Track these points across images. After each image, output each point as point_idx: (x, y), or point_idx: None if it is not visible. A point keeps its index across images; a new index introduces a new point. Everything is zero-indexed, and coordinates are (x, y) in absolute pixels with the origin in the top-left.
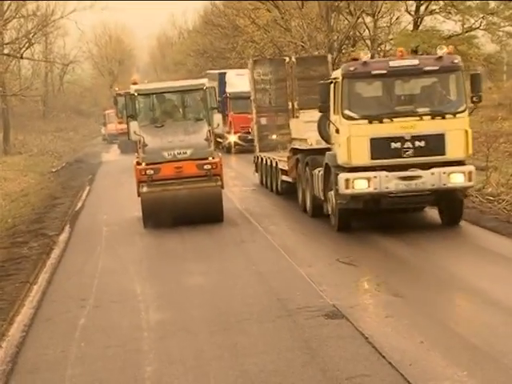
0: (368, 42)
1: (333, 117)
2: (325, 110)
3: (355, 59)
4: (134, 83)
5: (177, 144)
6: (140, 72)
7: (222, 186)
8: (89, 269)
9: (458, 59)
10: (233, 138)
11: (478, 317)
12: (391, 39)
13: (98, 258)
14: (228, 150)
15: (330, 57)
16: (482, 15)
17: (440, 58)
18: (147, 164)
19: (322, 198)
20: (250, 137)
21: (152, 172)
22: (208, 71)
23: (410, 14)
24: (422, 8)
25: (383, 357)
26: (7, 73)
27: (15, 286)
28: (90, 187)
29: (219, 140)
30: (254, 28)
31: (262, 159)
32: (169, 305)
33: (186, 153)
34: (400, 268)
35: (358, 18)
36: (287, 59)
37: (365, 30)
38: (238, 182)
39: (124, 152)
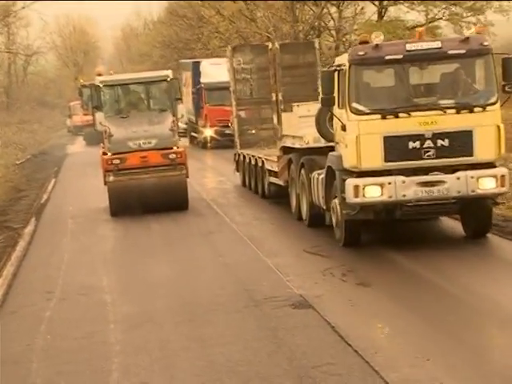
0: (333, 32)
1: (338, 111)
2: (328, 104)
3: (364, 42)
4: (99, 75)
5: (142, 134)
6: (105, 63)
7: (187, 175)
8: (55, 261)
9: (487, 41)
10: (208, 133)
11: (442, 304)
12: (356, 29)
13: (64, 250)
14: (203, 146)
15: (317, 43)
16: (444, 6)
17: (466, 39)
18: (113, 154)
19: (323, 207)
20: (227, 131)
21: (118, 161)
22: (181, 60)
23: (374, 4)
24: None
25: (349, 345)
26: None
27: None
28: (55, 179)
29: (194, 135)
30: (219, 19)
31: (244, 157)
32: (135, 296)
33: (150, 142)
34: (366, 257)
35: (323, 8)
36: (270, 45)
37: (330, 21)
38: (217, 183)
39: (89, 144)
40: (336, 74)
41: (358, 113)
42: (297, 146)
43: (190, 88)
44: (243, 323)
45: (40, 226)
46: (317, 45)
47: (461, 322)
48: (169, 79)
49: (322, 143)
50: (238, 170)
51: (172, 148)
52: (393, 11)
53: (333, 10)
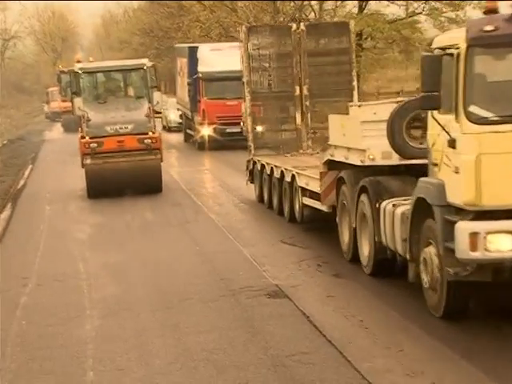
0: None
1: (442, 117)
2: (433, 105)
3: (492, 11)
4: (78, 61)
5: (119, 119)
6: (84, 50)
7: (162, 159)
8: (31, 247)
9: None
10: (206, 131)
11: (417, 296)
12: None
13: (41, 236)
14: (200, 146)
15: (352, 24)
16: (424, 0)
17: None
18: (91, 138)
19: (403, 254)
20: (228, 130)
21: (95, 145)
22: (176, 45)
23: None
24: None
25: (323, 335)
26: None
27: None
28: (32, 165)
29: (189, 132)
30: (200, 8)
31: (262, 167)
32: (111, 284)
33: (127, 128)
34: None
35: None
36: (294, 27)
37: (310, 13)
38: (223, 196)
39: (67, 130)
40: (443, 60)
41: (478, 121)
42: (355, 161)
43: (186, 78)
44: (219, 312)
45: (16, 212)
46: (352, 27)
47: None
48: (145, 67)
49: (395, 161)
50: (251, 181)
51: (147, 133)
52: (373, 4)
53: (314, 1)
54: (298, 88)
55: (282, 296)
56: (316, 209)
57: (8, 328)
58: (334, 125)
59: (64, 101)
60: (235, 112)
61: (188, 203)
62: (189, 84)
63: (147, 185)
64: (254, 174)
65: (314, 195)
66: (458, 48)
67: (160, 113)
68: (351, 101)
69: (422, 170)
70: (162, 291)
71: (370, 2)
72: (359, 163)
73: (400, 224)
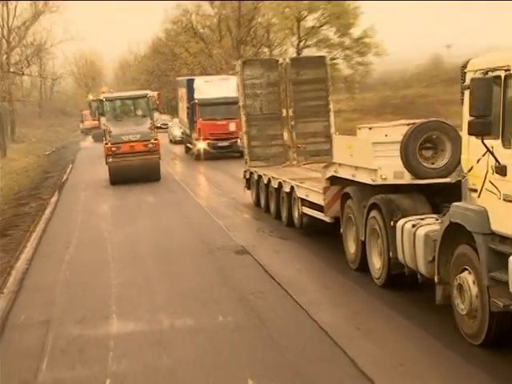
0: None
1: (490, 141)
2: (484, 131)
3: None
4: (103, 92)
5: (130, 131)
6: (107, 85)
7: (160, 158)
8: (72, 221)
9: None
10: (202, 145)
11: (339, 250)
12: None
13: (78, 214)
14: (197, 157)
15: (328, 58)
16: (341, 49)
17: None
18: (112, 144)
19: (427, 275)
20: (219, 144)
21: (115, 149)
22: (178, 78)
23: (293, 46)
24: (302, 43)
25: (273, 279)
26: (13, 85)
27: (20, 233)
28: (72, 165)
29: (189, 146)
30: (187, 55)
31: (259, 177)
32: (127, 246)
33: (136, 137)
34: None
35: (259, 48)
36: (281, 60)
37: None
38: (207, 187)
39: (96, 140)
40: (494, 83)
41: None
42: (365, 180)
43: (185, 103)
44: (201, 264)
45: (61, 197)
46: (328, 60)
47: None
48: (148, 96)
49: (407, 180)
50: (248, 188)
51: (150, 140)
52: (307, 51)
53: (265, 49)
54: (284, 110)
55: (245, 253)
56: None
57: (57, 276)
58: (339, 145)
59: (93, 120)
60: (224, 130)
61: (180, 191)
62: (188, 108)
63: (150, 175)
64: (251, 182)
65: (314, 206)
66: (508, 70)
67: (163, 128)
68: (327, 121)
69: (430, 189)
70: (162, 250)
71: (304, 50)
72: (370, 182)
73: (424, 245)
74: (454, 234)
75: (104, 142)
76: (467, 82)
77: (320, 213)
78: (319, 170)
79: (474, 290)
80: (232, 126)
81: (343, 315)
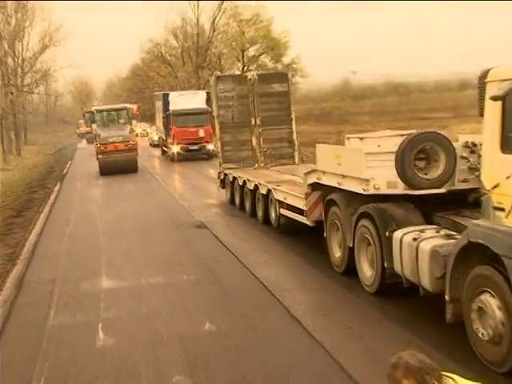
0: None
1: (500, 157)
2: None
3: None
4: (94, 106)
5: (115, 135)
6: (97, 100)
7: (137, 155)
8: (71, 204)
9: None
10: (176, 149)
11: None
12: None
13: (76, 199)
14: (172, 159)
15: (290, 74)
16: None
17: None
18: (101, 144)
19: (433, 291)
20: (190, 147)
21: (103, 148)
22: (154, 93)
23: (238, 70)
24: (245, 68)
25: (225, 247)
26: (25, 101)
27: (32, 214)
28: (70, 161)
29: (165, 149)
30: (158, 76)
31: (234, 178)
32: (113, 223)
33: (119, 138)
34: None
35: (213, 72)
36: (249, 75)
37: None
38: (176, 179)
39: (89, 143)
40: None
41: None
42: (355, 189)
43: (161, 113)
44: (170, 236)
45: (63, 186)
46: (290, 76)
47: (284, 229)
48: (128, 108)
49: (400, 190)
50: (223, 187)
51: (129, 141)
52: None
53: (218, 73)
54: (253, 119)
55: (204, 227)
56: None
57: (60, 246)
58: (323, 153)
59: (87, 126)
60: (195, 135)
61: (156, 182)
62: (163, 118)
63: (130, 168)
64: (226, 182)
65: (293, 209)
66: None
67: (143, 134)
68: (290, 128)
69: (420, 198)
70: (140, 226)
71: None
72: (361, 191)
73: (430, 261)
74: (472, 253)
75: (95, 143)
76: (492, 92)
77: (301, 216)
78: (288, 172)
79: (499, 315)
80: (201, 132)
81: (278, 273)
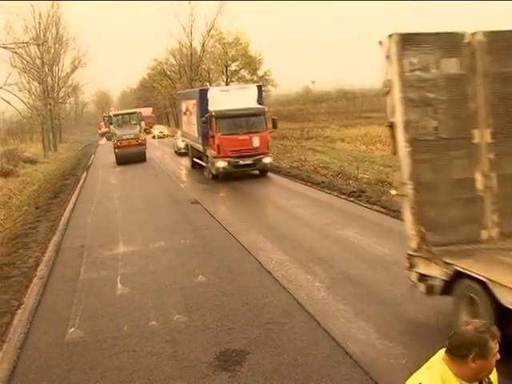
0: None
1: None
2: None
3: None
4: (111, 111)
5: (128, 133)
6: (114, 106)
7: (146, 148)
8: (95, 188)
9: None
10: (221, 164)
11: (253, 197)
12: None
13: (98, 183)
14: (215, 177)
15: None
16: (252, 83)
17: None
18: (117, 140)
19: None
20: (241, 162)
21: (119, 144)
22: (179, 92)
23: (223, 81)
24: (229, 79)
25: (216, 219)
26: (60, 109)
27: (65, 195)
28: (94, 155)
29: (198, 162)
30: (161, 87)
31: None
32: (127, 201)
33: (131, 136)
34: (223, 184)
35: (203, 83)
36: (467, 35)
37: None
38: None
39: (108, 140)
40: None
41: None
42: None
43: (194, 116)
44: (171, 210)
45: (88, 174)
46: None
47: (259, 204)
48: (138, 112)
49: None
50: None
51: (139, 138)
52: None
53: (207, 83)
54: (477, 132)
55: (197, 202)
56: None
57: (86, 220)
58: None
59: (106, 127)
60: (248, 146)
61: (159, 169)
62: (202, 122)
63: (140, 158)
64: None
65: None
66: None
67: (160, 136)
68: None
69: None
70: (147, 202)
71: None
72: None
73: None
74: None
75: (112, 140)
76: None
77: None
78: None
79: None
80: (256, 141)
81: (255, 237)
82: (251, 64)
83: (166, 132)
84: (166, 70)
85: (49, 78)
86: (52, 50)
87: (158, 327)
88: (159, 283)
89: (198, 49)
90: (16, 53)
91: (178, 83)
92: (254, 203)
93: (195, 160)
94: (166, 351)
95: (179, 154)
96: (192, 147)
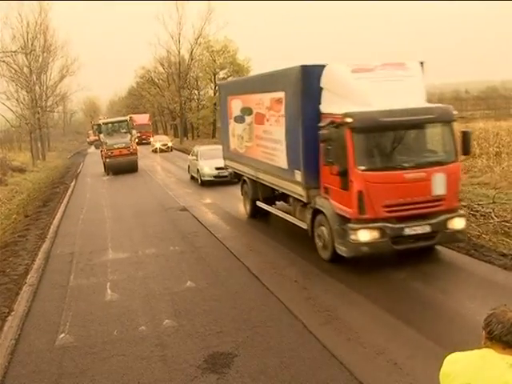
0: (197, 100)
1: None
2: None
3: None
4: (100, 119)
5: (118, 141)
6: (103, 115)
7: (137, 157)
8: (83, 196)
9: None
10: (365, 237)
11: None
12: (203, 102)
13: (87, 192)
14: (338, 259)
15: None
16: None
17: None
18: (107, 149)
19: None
20: (408, 230)
21: (109, 153)
22: (258, 74)
23: (212, 89)
24: (217, 88)
25: (203, 225)
26: (48, 118)
27: (54, 204)
28: (83, 163)
29: (291, 220)
30: (149, 95)
31: None
32: (116, 209)
33: (122, 145)
34: (212, 190)
35: (191, 91)
36: None
37: (197, 95)
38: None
39: (97, 148)
40: None
41: None
42: None
43: (278, 125)
44: (160, 217)
45: (77, 182)
46: None
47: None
48: (128, 120)
49: None
50: None
51: (130, 147)
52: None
53: (195, 91)
54: None
55: (186, 210)
56: None
57: (76, 227)
58: None
59: (95, 136)
60: (421, 193)
61: (148, 177)
62: (320, 134)
63: (131, 168)
64: None
65: None
66: None
67: (163, 150)
68: None
69: None
70: (137, 210)
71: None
72: None
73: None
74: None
75: (101, 149)
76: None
77: None
78: None
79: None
80: (439, 184)
81: (242, 243)
82: (239, 72)
83: (169, 144)
84: (155, 78)
85: (37, 87)
86: (40, 59)
87: (148, 332)
88: (148, 289)
89: (186, 57)
90: (4, 61)
91: (166, 91)
92: (240, 211)
93: (261, 206)
94: (155, 355)
95: (202, 183)
96: (259, 183)
